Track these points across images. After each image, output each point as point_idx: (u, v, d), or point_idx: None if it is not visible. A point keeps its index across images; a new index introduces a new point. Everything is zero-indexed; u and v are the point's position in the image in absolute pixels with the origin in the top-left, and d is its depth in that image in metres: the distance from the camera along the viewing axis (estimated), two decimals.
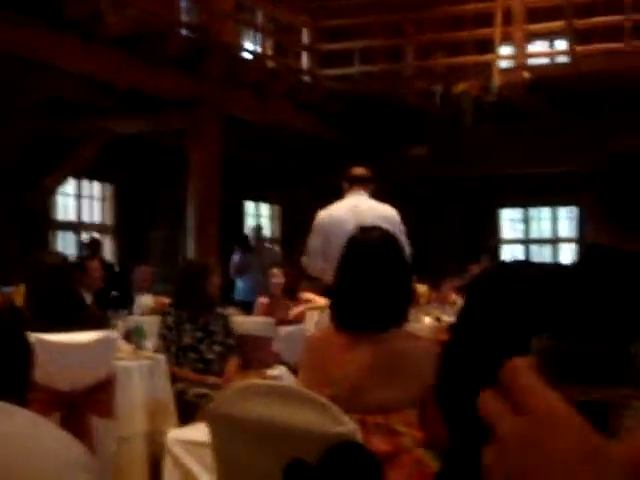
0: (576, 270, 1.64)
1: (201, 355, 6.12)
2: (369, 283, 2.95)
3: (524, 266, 1.72)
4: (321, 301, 7.91)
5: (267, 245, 12.48)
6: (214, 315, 6.26)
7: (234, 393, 2.62)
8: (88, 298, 7.39)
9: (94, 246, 10.73)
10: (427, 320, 8.48)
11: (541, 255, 15.04)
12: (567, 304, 1.53)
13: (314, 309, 7.68)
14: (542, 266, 1.73)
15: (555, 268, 1.75)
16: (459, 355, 1.65)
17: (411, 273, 3.10)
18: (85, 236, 11.52)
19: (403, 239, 6.56)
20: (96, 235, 11.58)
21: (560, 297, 1.54)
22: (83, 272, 7.49)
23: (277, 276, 8.01)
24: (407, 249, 6.59)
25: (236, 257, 11.81)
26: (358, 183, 6.66)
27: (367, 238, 3.09)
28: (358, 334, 2.91)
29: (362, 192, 6.61)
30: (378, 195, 6.79)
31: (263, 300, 8.14)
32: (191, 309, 6.21)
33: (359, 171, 6.76)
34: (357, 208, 6.48)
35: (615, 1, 11.09)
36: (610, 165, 1.60)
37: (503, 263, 1.75)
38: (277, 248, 12.00)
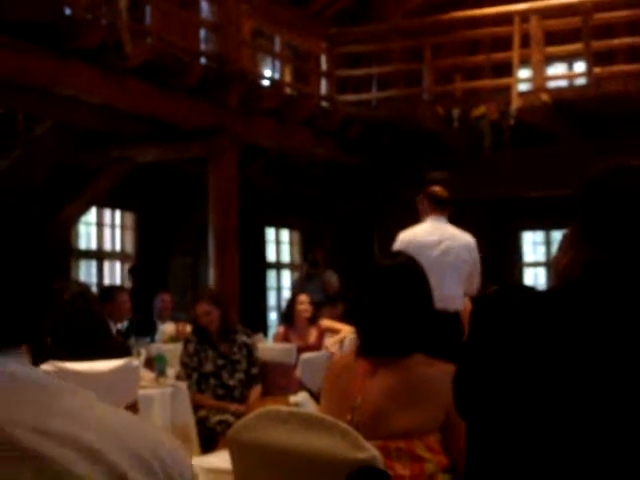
0: (566, 290, 1.71)
1: (222, 381, 6.11)
2: (387, 308, 2.94)
3: (521, 290, 1.83)
4: (340, 326, 7.91)
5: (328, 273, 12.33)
6: (237, 343, 6.25)
7: (255, 419, 2.60)
8: (114, 328, 7.40)
9: (136, 272, 10.93)
10: None
11: None
12: (559, 321, 1.61)
13: (337, 338, 7.67)
14: (535, 290, 1.84)
15: (548, 290, 1.85)
16: (470, 375, 1.70)
17: (431, 299, 3.07)
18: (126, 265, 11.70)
19: (478, 269, 6.55)
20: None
21: (553, 315, 1.63)
22: (111, 303, 7.45)
23: (304, 303, 7.96)
24: (478, 279, 6.56)
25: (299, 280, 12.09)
26: (440, 205, 6.56)
27: (387, 264, 3.08)
28: (379, 360, 2.90)
29: (442, 216, 6.54)
30: (406, 220, 6.77)
31: (280, 329, 8.13)
32: (209, 336, 6.21)
33: (442, 193, 6.62)
34: (440, 235, 6.41)
35: (634, 23, 11.08)
36: (585, 191, 1.73)
37: (502, 288, 1.82)
38: (333, 278, 11.84)
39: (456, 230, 6.57)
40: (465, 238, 6.56)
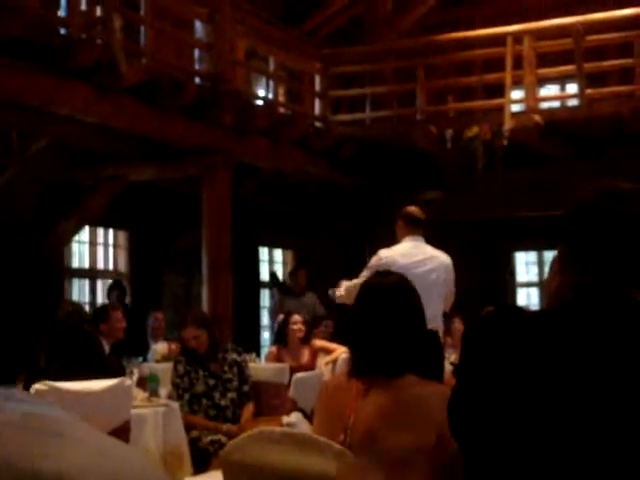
0: (559, 311, 1.73)
1: (214, 401, 6.10)
2: (380, 327, 2.94)
3: (515, 311, 1.82)
4: (334, 346, 7.90)
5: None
6: (228, 362, 6.24)
7: (247, 440, 2.61)
8: (107, 347, 7.36)
9: (118, 289, 10.80)
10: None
11: None
12: (554, 342, 1.63)
13: (330, 358, 7.67)
14: (530, 311, 1.85)
15: (541, 311, 1.87)
16: (466, 397, 1.70)
17: (424, 319, 3.08)
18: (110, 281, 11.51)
19: (453, 286, 6.58)
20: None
21: (548, 336, 1.65)
22: (106, 321, 7.40)
23: (297, 323, 7.95)
24: (452, 296, 6.60)
25: (274, 300, 11.95)
26: (417, 225, 6.57)
27: (381, 283, 3.09)
28: (372, 380, 2.90)
29: (419, 236, 6.55)
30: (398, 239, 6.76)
31: (272, 349, 8.13)
32: (199, 357, 6.20)
33: (417, 213, 6.63)
34: (421, 255, 6.42)
35: (625, 45, 11.15)
36: (573, 214, 1.77)
37: (496, 309, 1.83)
38: (312, 299, 11.74)
39: (434, 250, 6.58)
40: (443, 257, 6.57)
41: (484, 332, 1.74)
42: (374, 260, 6.41)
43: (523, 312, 1.80)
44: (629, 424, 1.55)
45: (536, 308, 14.33)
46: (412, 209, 6.64)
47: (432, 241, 6.73)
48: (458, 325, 9.89)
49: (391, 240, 6.91)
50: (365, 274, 6.19)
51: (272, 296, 12.27)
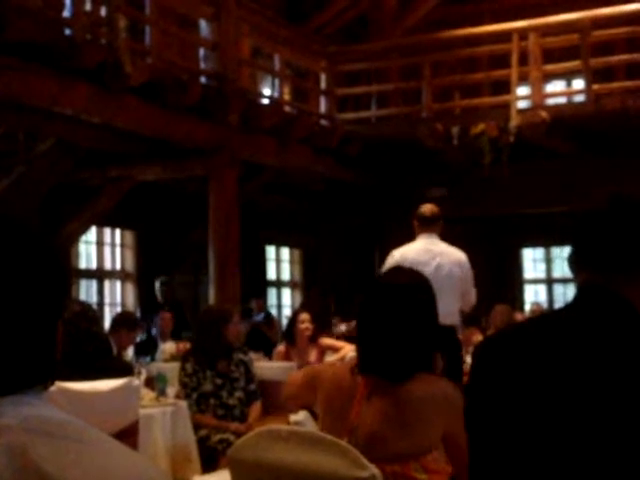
0: (562, 314, 1.80)
1: (222, 401, 6.10)
2: (388, 328, 2.86)
3: (521, 326, 1.90)
4: (341, 345, 7.90)
5: None
6: (235, 361, 6.25)
7: (256, 438, 2.60)
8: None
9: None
10: None
11: (564, 295, 14.95)
12: (557, 350, 1.67)
13: (337, 356, 7.67)
14: (534, 321, 1.90)
15: (543, 319, 1.90)
16: (477, 416, 1.74)
17: (436, 321, 2.98)
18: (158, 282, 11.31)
19: (470, 284, 6.63)
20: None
21: (549, 345, 1.70)
22: (133, 330, 7.43)
23: (305, 322, 7.93)
24: (473, 294, 6.65)
25: None
26: (428, 224, 6.68)
27: (392, 281, 2.98)
28: (377, 380, 2.84)
29: (433, 234, 6.66)
30: (406, 237, 6.82)
31: (281, 348, 8.11)
32: (209, 356, 6.20)
33: (428, 211, 6.75)
34: (432, 252, 6.51)
35: (632, 40, 11.12)
36: (577, 222, 1.88)
37: (507, 328, 1.93)
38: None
39: (447, 247, 6.65)
40: (456, 254, 6.63)
41: (490, 350, 1.78)
42: (388, 260, 6.58)
43: (528, 324, 1.87)
44: (632, 425, 1.56)
45: (545, 305, 14.30)
46: (422, 208, 6.77)
47: (441, 238, 6.79)
48: (477, 336, 9.81)
49: (399, 237, 6.96)
50: None
51: None
